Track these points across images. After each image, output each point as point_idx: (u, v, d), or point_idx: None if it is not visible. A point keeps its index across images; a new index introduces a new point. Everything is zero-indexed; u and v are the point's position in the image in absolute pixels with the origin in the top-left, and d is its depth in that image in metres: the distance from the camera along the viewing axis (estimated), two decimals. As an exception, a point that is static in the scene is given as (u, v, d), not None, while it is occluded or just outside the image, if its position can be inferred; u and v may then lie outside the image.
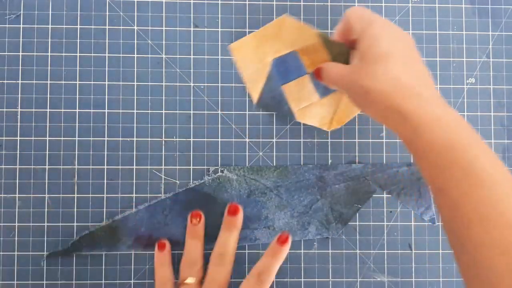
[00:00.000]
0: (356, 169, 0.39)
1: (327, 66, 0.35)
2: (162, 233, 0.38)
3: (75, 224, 0.39)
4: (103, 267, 0.38)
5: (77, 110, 0.39)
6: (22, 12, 0.39)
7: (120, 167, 0.39)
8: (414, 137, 0.28)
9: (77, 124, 0.39)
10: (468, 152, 0.26)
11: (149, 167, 0.39)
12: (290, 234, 0.36)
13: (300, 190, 0.39)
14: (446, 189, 0.27)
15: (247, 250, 0.39)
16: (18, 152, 0.39)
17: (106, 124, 0.39)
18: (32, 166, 0.39)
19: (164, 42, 0.40)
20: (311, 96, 0.38)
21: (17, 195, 0.39)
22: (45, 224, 0.38)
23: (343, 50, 0.34)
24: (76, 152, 0.39)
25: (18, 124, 0.39)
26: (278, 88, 0.38)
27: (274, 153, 0.40)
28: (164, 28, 0.40)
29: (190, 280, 0.35)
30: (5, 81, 0.39)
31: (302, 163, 0.40)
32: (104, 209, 0.39)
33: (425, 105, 0.28)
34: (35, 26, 0.39)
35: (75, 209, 0.39)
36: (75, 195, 0.39)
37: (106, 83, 0.39)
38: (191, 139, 0.40)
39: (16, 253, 0.38)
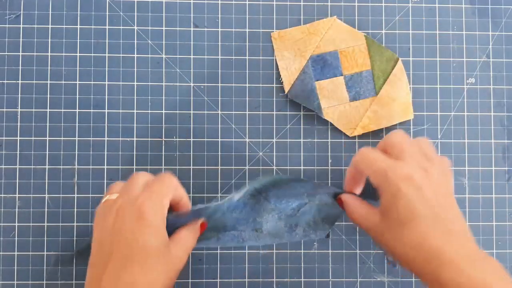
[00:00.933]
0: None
1: (352, 204, 0.33)
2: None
3: (75, 224, 0.39)
4: (103, 267, 0.38)
5: (77, 110, 0.39)
6: (22, 12, 0.39)
7: (120, 167, 0.39)
8: None
9: (77, 124, 0.39)
10: None
11: (149, 167, 0.39)
12: (277, 237, 0.36)
13: (289, 196, 0.37)
14: None
15: (247, 250, 0.39)
16: (18, 152, 0.39)
17: (106, 124, 0.39)
18: (32, 166, 0.39)
19: (164, 42, 0.40)
20: (342, 97, 0.39)
21: (17, 195, 0.39)
22: (45, 224, 0.38)
23: (389, 56, 0.34)
24: (76, 152, 0.39)
25: (18, 124, 0.39)
26: (310, 83, 0.39)
27: (274, 153, 0.40)
28: (164, 28, 0.40)
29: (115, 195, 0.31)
30: (5, 81, 0.39)
31: (302, 165, 0.40)
32: (104, 209, 0.39)
33: (450, 269, 0.27)
34: (35, 26, 0.39)
35: (75, 209, 0.39)
36: (75, 195, 0.39)
37: (106, 83, 0.39)
38: (191, 139, 0.40)
39: (16, 253, 0.38)
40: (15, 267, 0.38)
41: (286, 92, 0.39)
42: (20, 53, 0.39)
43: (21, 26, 0.39)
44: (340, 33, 0.38)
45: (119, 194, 0.30)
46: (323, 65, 0.39)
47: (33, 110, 0.39)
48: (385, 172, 0.29)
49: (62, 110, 0.39)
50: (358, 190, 0.35)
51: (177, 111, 0.40)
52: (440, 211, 0.28)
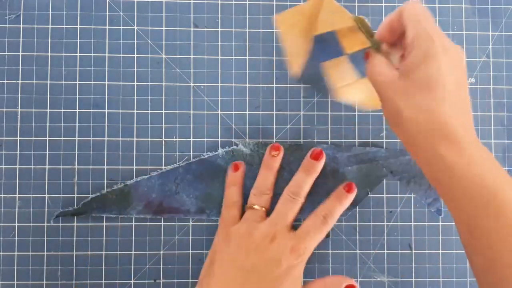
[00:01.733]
0: (369, 153, 0.39)
1: (376, 57, 0.32)
2: (173, 201, 0.38)
3: (75, 224, 0.39)
4: (103, 267, 0.38)
5: (77, 110, 0.39)
6: (22, 12, 0.39)
7: (120, 167, 0.39)
8: (444, 178, 0.28)
9: (77, 124, 0.39)
10: (501, 193, 0.26)
11: (149, 167, 0.39)
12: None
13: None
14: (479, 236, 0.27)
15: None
16: (18, 152, 0.39)
17: (106, 124, 0.39)
18: (32, 166, 0.39)
19: (164, 42, 0.40)
20: (350, 76, 0.37)
21: (17, 195, 0.39)
22: (45, 224, 0.38)
23: (376, 41, 0.33)
24: (76, 152, 0.39)
25: (18, 124, 0.39)
26: (318, 65, 0.37)
27: (274, 153, 0.40)
28: (164, 28, 0.40)
29: (258, 207, 0.35)
30: (5, 81, 0.39)
31: (315, 140, 0.39)
32: (104, 209, 0.39)
33: (457, 148, 0.27)
34: (35, 26, 0.39)
35: (75, 209, 0.39)
36: (75, 195, 0.39)
37: (106, 83, 0.39)
38: (191, 139, 0.40)
39: (16, 253, 0.38)
40: (15, 267, 0.38)
41: (294, 76, 0.39)
42: (20, 53, 0.39)
43: (21, 26, 0.39)
44: (329, 15, 0.36)
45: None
46: (326, 46, 0.37)
47: (33, 110, 0.39)
48: (429, 31, 0.28)
49: (62, 110, 0.39)
50: (389, 39, 0.33)
51: (177, 111, 0.40)
52: (461, 94, 0.28)
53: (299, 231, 0.35)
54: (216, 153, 0.39)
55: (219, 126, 0.40)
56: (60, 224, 0.39)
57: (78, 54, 0.39)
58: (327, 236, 0.39)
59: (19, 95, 0.39)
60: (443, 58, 0.28)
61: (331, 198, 0.37)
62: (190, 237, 0.39)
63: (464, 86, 0.29)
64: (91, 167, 0.39)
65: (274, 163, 0.38)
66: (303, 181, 0.37)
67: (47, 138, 0.39)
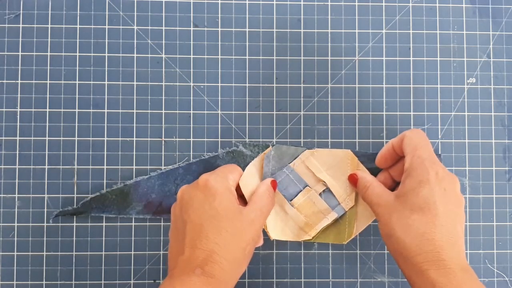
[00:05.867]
0: (370, 155, 0.39)
1: (368, 179, 0.35)
2: (172, 201, 0.38)
3: (74, 224, 0.39)
4: (103, 267, 0.38)
5: (76, 110, 0.39)
6: (21, 11, 0.39)
7: (119, 167, 0.39)
8: None
9: (76, 124, 0.39)
10: None
11: (149, 167, 0.39)
12: None
13: None
14: None
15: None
16: (17, 152, 0.39)
17: (105, 124, 0.39)
18: (32, 166, 0.39)
19: (164, 41, 0.40)
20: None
21: (16, 195, 0.39)
22: (45, 224, 0.38)
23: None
24: (76, 152, 0.39)
25: (18, 124, 0.39)
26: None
27: (274, 153, 0.40)
28: (164, 28, 0.40)
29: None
30: (5, 81, 0.39)
31: (315, 140, 0.39)
32: (104, 209, 0.39)
33: (446, 274, 0.28)
34: (35, 25, 0.39)
35: (75, 209, 0.39)
36: (75, 195, 0.39)
37: (106, 83, 0.39)
38: (191, 139, 0.39)
39: (15, 253, 0.38)
40: (15, 267, 0.38)
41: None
42: (20, 53, 0.39)
43: (21, 25, 0.39)
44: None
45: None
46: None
47: (33, 110, 0.39)
48: (424, 160, 0.31)
49: (62, 110, 0.39)
50: (384, 166, 0.36)
51: (177, 111, 0.39)
52: (452, 214, 0.30)
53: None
54: (217, 154, 0.39)
55: (219, 126, 0.40)
56: (60, 224, 0.38)
57: (77, 54, 0.39)
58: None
59: (19, 95, 0.39)
60: (436, 187, 0.30)
61: None
62: (190, 237, 0.39)
63: (458, 215, 0.31)
64: (90, 167, 0.39)
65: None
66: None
67: (47, 138, 0.39)
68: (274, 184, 0.36)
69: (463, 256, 0.30)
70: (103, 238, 0.38)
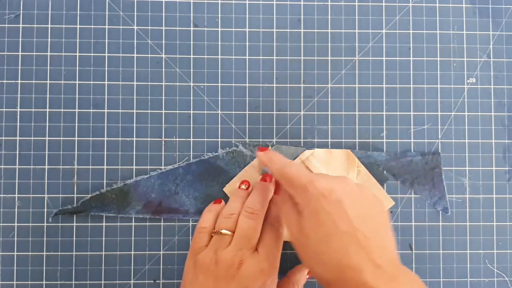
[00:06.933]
0: (370, 156, 0.39)
1: (284, 202, 0.32)
2: (172, 201, 0.38)
3: (74, 224, 0.39)
4: (103, 267, 0.38)
5: (76, 110, 0.39)
6: (21, 11, 0.39)
7: (119, 167, 0.39)
8: None
9: (76, 124, 0.39)
10: None
11: (148, 167, 0.39)
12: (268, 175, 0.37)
13: None
14: None
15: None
16: (17, 152, 0.39)
17: (105, 124, 0.39)
18: (32, 166, 0.39)
19: (164, 41, 0.40)
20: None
21: (16, 195, 0.39)
22: (45, 224, 0.38)
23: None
24: (76, 152, 0.39)
25: (18, 124, 0.39)
26: None
27: (274, 153, 0.40)
28: (164, 28, 0.40)
29: (225, 231, 0.34)
30: (5, 81, 0.39)
31: (315, 140, 0.40)
32: (104, 209, 0.39)
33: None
34: (35, 25, 0.39)
35: (75, 209, 0.39)
36: (75, 195, 0.39)
37: (106, 83, 0.39)
38: (191, 139, 0.39)
39: (15, 253, 0.38)
40: (15, 267, 0.38)
41: None
42: (20, 53, 0.39)
43: (21, 25, 0.39)
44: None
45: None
46: None
47: (33, 110, 0.39)
48: (306, 187, 0.29)
49: (62, 110, 0.39)
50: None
51: (177, 111, 0.39)
52: (359, 226, 0.28)
53: (261, 249, 0.34)
54: (217, 154, 0.39)
55: (219, 126, 0.40)
56: (60, 224, 0.38)
57: (77, 54, 0.39)
58: None
59: (19, 95, 0.39)
60: (329, 206, 0.28)
61: (251, 193, 0.36)
62: (190, 238, 0.39)
63: (364, 209, 0.29)
64: (90, 167, 0.39)
65: (244, 194, 0.37)
66: (257, 196, 0.36)
67: (47, 138, 0.39)
68: (270, 178, 0.36)
69: (385, 262, 0.27)
70: (103, 238, 0.38)
